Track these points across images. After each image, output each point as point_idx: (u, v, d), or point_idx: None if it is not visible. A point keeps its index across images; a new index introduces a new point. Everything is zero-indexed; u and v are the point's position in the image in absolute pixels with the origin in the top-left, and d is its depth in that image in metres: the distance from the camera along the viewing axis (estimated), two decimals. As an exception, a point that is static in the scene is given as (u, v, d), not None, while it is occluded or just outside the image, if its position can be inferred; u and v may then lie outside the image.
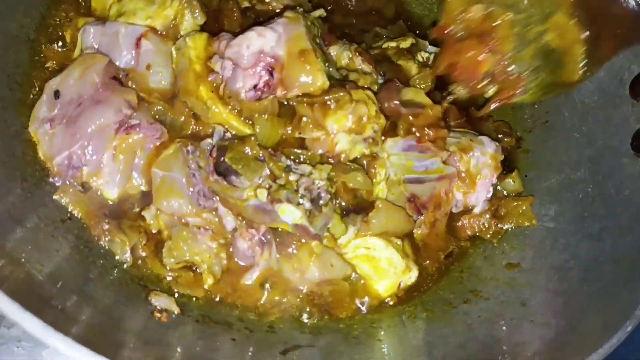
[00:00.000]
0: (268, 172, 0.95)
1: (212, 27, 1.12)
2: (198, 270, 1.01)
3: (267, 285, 1.03)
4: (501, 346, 0.94)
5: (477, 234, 1.15)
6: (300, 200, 0.95)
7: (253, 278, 1.03)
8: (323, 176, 0.98)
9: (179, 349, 0.84)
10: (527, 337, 0.93)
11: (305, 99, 1.03)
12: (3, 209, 0.87)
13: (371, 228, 1.04)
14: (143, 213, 1.02)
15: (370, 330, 1.02)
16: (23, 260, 0.79)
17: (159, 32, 1.08)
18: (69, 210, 0.98)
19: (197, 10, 1.09)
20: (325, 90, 1.03)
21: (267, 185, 0.95)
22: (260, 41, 1.01)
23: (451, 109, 1.18)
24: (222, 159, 0.96)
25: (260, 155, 0.96)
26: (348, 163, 1.06)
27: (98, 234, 0.99)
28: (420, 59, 1.27)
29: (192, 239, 1.01)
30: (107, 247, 0.98)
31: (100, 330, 0.73)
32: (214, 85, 1.04)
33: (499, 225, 1.15)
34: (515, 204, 1.15)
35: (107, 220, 1.00)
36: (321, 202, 0.97)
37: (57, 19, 1.11)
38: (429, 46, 1.30)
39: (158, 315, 0.90)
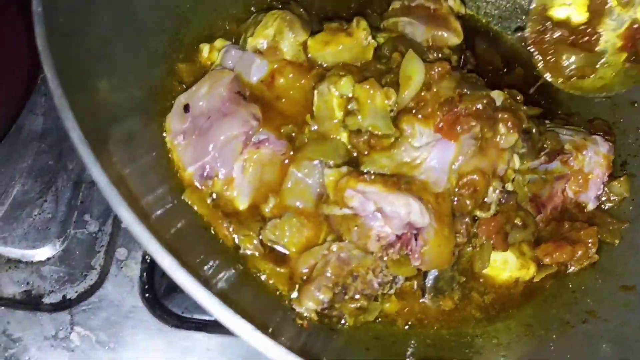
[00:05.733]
0: None
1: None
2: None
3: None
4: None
5: None
6: None
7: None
8: None
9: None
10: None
11: None
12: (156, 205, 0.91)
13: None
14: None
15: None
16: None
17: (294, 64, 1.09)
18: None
19: (297, 27, 1.10)
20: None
21: None
22: (418, 218, 0.95)
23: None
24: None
25: None
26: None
27: (223, 235, 1.02)
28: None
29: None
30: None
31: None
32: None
33: None
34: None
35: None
36: None
37: (192, 39, 1.16)
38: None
39: (300, 322, 0.94)
